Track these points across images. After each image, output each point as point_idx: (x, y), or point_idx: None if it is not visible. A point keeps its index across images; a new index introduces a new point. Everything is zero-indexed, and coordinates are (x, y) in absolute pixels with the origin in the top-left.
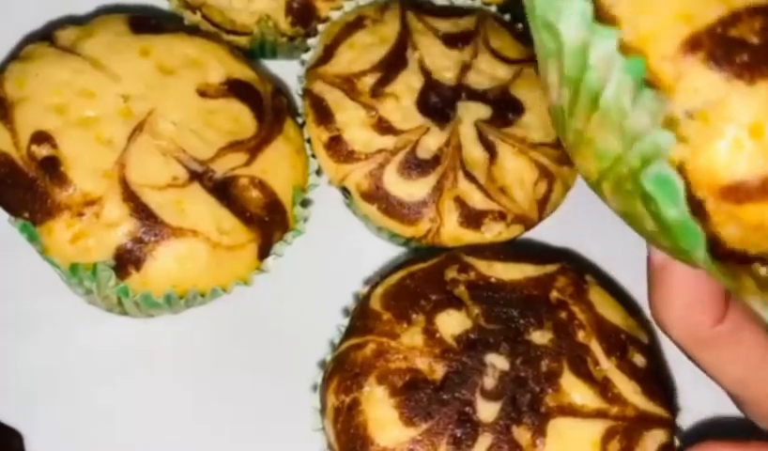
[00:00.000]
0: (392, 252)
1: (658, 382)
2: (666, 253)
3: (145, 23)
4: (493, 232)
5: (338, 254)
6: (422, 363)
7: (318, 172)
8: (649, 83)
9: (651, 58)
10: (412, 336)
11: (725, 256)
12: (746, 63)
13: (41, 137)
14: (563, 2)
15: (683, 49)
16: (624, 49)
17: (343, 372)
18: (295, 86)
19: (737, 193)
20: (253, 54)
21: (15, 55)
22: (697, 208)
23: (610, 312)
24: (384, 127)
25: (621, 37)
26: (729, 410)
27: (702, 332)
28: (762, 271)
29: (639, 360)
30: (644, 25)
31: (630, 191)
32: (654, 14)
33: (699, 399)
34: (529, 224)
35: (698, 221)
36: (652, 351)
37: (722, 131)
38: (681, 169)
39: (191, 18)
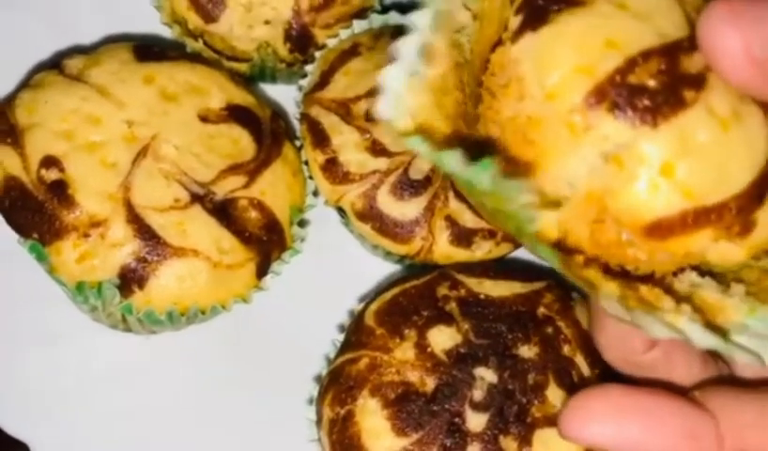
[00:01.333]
0: (387, 270)
1: None
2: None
3: (148, 51)
4: (483, 250)
5: (334, 272)
6: (413, 376)
7: (315, 193)
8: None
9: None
10: (404, 351)
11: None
12: (648, 107)
13: (50, 162)
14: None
15: (588, 100)
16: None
17: (338, 385)
18: (293, 111)
19: (660, 230)
20: (252, 79)
21: (26, 84)
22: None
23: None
24: (378, 149)
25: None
26: None
27: (635, 356)
28: (682, 284)
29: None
30: (549, 83)
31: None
32: (556, 70)
33: None
34: (517, 241)
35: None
36: None
37: (636, 174)
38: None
39: (193, 45)
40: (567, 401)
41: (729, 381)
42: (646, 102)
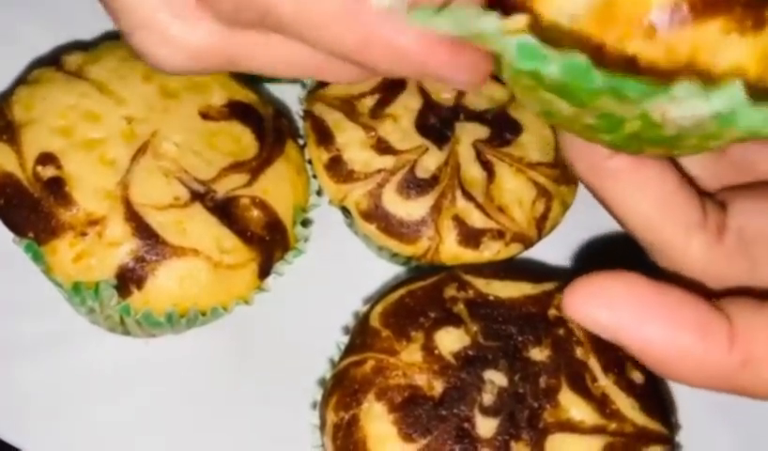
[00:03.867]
0: (392, 271)
1: (656, 399)
2: (596, 141)
3: None
4: (492, 251)
5: (338, 273)
6: (420, 379)
7: (319, 192)
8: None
9: None
10: (411, 353)
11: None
12: None
13: (47, 158)
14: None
15: None
16: None
17: (342, 389)
18: (296, 109)
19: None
20: (255, 76)
21: (24, 80)
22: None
23: None
24: (383, 147)
25: None
26: (728, 426)
27: (600, 159)
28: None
29: (637, 376)
30: None
31: (528, 85)
32: None
33: (698, 416)
34: (527, 242)
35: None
36: None
37: None
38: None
39: None
40: (576, 280)
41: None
42: None
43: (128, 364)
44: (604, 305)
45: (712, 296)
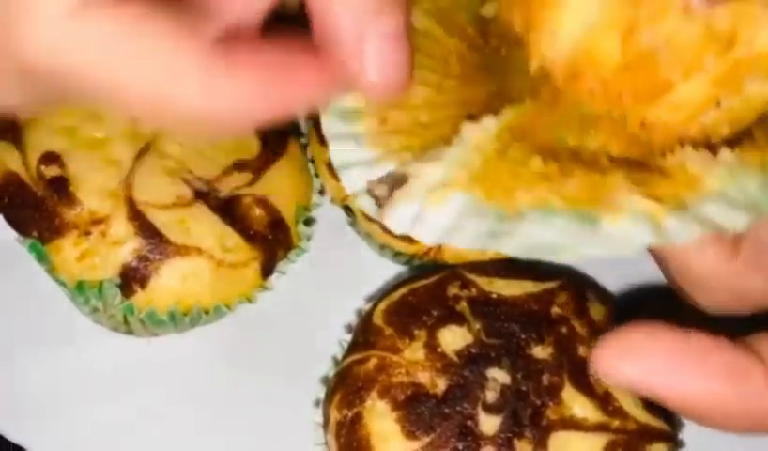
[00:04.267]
0: (395, 269)
1: None
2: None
3: None
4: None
5: (341, 272)
6: (423, 377)
7: (321, 191)
8: None
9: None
10: (414, 351)
11: None
12: None
13: (50, 158)
14: None
15: None
16: None
17: (345, 387)
18: None
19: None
20: None
21: None
22: None
23: (612, 328)
24: None
25: None
26: None
27: (731, 265)
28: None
29: None
30: None
31: None
32: None
33: None
34: None
35: None
36: None
37: None
38: None
39: None
40: (599, 340)
41: None
42: None
43: (129, 363)
44: (634, 363)
45: (740, 325)
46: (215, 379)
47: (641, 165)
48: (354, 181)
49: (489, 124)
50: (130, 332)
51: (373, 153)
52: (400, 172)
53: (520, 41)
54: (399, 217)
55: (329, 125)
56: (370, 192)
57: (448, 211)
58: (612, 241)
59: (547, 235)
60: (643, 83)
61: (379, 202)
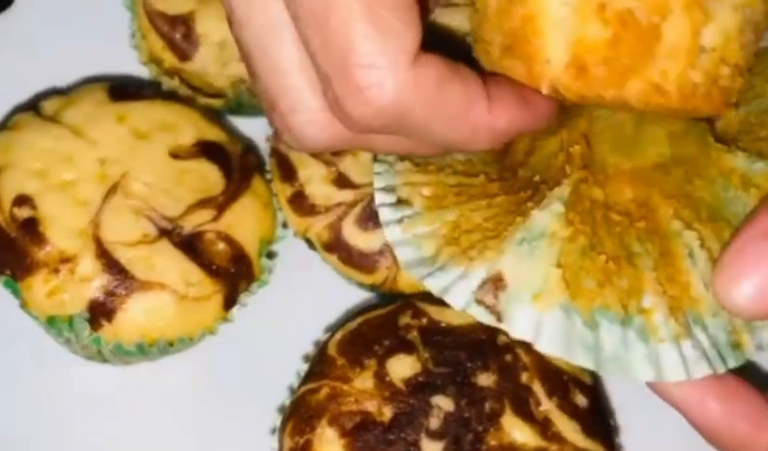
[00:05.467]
0: (355, 300)
1: (599, 421)
2: None
3: (123, 91)
4: None
5: (302, 303)
6: (371, 405)
7: (285, 225)
8: None
9: None
10: (364, 380)
11: None
12: None
13: (22, 200)
14: None
15: None
16: None
17: (298, 415)
18: (265, 146)
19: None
20: (231, 111)
21: (3, 125)
22: None
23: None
24: (343, 182)
25: None
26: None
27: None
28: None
29: (581, 400)
30: None
31: None
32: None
33: (643, 438)
34: None
35: None
36: (595, 392)
37: None
38: None
39: (169, 83)
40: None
41: None
42: None
43: (100, 392)
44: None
45: None
46: (177, 408)
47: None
48: (459, 299)
49: (555, 207)
50: (105, 360)
51: (460, 269)
52: (494, 273)
53: (529, 152)
54: (521, 329)
55: (418, 271)
56: (479, 303)
57: (556, 318)
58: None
59: (614, 345)
60: (636, 42)
61: (491, 311)
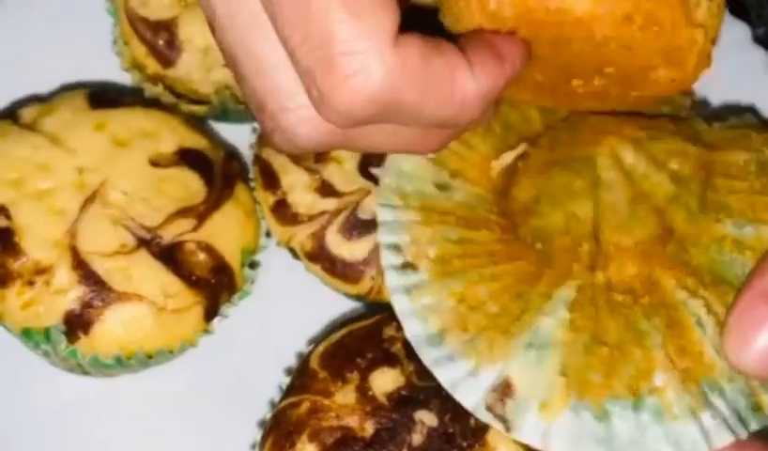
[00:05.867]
0: (339, 310)
1: None
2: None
3: (102, 98)
4: None
5: (285, 314)
6: (353, 421)
7: (268, 234)
8: None
9: None
10: (345, 395)
11: None
12: None
13: None
14: None
15: None
16: None
17: (278, 430)
18: (248, 153)
19: None
20: (216, 118)
21: None
22: None
23: None
24: (327, 190)
25: None
26: None
27: None
28: None
29: None
30: None
31: None
32: None
33: None
34: None
35: None
36: None
37: None
38: None
39: (152, 90)
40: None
41: None
42: None
43: (81, 403)
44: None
45: None
46: (156, 421)
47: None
48: (469, 400)
49: (561, 314)
50: (85, 373)
51: (469, 363)
52: (503, 379)
53: (531, 210)
54: (529, 438)
55: (426, 354)
56: (489, 410)
57: (564, 421)
58: (681, 443)
59: (629, 431)
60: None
61: (500, 420)
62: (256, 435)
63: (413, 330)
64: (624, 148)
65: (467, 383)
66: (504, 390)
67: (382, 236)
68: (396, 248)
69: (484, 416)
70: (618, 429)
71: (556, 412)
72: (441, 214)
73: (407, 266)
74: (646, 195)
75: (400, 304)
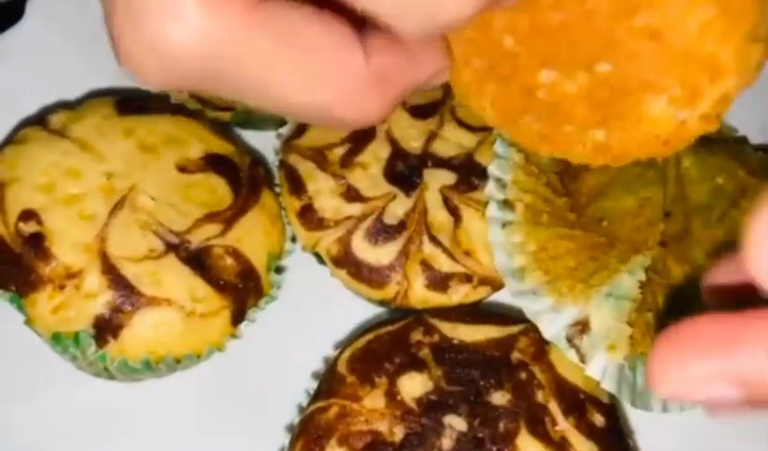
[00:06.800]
0: (364, 315)
1: (617, 441)
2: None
3: (130, 104)
4: (459, 294)
5: (311, 318)
6: (382, 425)
7: (294, 239)
8: None
9: None
10: (374, 399)
11: None
12: None
13: (28, 215)
14: None
15: None
16: None
17: (307, 435)
18: (273, 159)
19: None
20: (240, 124)
21: (10, 140)
22: None
23: (571, 372)
24: (352, 195)
25: None
26: None
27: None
28: None
29: (598, 419)
30: None
31: None
32: None
33: None
34: (495, 285)
35: None
36: (612, 411)
37: None
38: None
39: (177, 97)
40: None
41: None
42: None
43: (106, 409)
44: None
45: None
46: (185, 426)
47: None
48: (549, 329)
49: (639, 274)
50: (111, 377)
51: (551, 300)
52: (583, 317)
53: (603, 193)
54: (594, 371)
55: (510, 284)
56: (568, 340)
57: (617, 367)
58: None
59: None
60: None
61: (577, 351)
62: (284, 440)
63: (500, 260)
64: (686, 152)
65: (549, 316)
66: (583, 327)
67: (492, 168)
68: (501, 184)
69: (563, 345)
70: (639, 381)
71: (617, 356)
72: (537, 173)
73: (507, 204)
74: (685, 197)
75: (494, 235)
